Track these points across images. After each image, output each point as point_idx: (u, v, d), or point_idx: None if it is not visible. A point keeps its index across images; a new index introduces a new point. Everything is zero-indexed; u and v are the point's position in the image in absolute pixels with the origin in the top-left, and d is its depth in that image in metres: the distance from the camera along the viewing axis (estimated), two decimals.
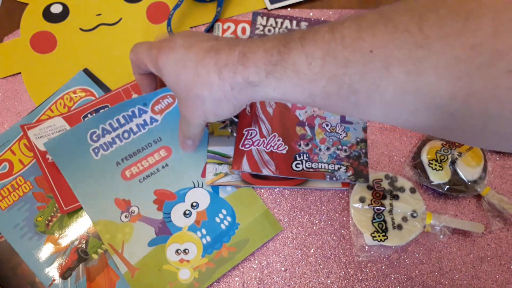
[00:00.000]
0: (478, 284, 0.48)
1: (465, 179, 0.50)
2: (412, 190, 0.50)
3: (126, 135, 0.50)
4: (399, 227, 0.48)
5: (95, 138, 0.50)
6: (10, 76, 0.59)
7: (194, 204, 0.49)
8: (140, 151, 0.50)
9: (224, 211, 0.49)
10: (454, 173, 0.50)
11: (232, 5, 0.63)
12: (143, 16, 0.62)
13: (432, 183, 0.50)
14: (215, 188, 0.50)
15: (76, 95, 0.57)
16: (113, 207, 0.48)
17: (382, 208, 0.49)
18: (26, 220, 0.50)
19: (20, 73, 0.59)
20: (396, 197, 0.50)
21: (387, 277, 0.48)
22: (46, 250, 0.49)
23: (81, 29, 0.62)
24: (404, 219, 0.48)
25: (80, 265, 0.48)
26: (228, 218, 0.48)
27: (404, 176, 0.52)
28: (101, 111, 0.52)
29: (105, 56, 0.60)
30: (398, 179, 0.51)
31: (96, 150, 0.49)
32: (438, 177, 0.50)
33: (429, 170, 0.50)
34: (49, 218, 0.50)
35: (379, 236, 0.48)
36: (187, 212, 0.48)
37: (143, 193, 0.49)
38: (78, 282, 0.47)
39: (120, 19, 0.62)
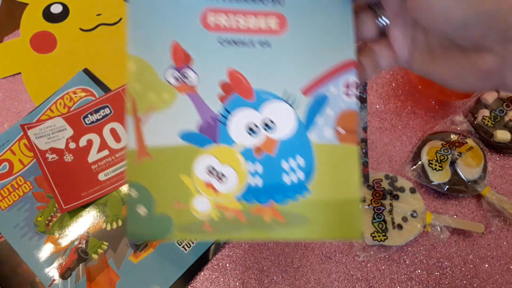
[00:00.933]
0: (478, 284, 0.48)
1: (465, 179, 0.50)
2: (412, 190, 0.50)
3: None
4: (399, 227, 0.48)
5: None
6: (10, 76, 0.59)
7: (270, 123, 0.31)
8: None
9: (300, 160, 0.32)
10: (454, 173, 0.50)
11: None
12: None
13: (432, 183, 0.50)
14: (310, 117, 0.32)
15: (76, 95, 0.57)
16: (165, 50, 0.31)
17: (382, 208, 0.49)
18: (26, 220, 0.50)
19: (20, 73, 0.59)
20: (396, 197, 0.50)
21: (387, 277, 0.48)
22: (46, 250, 0.49)
23: (81, 29, 0.62)
24: (404, 219, 0.48)
25: (80, 265, 0.48)
26: (300, 174, 0.31)
27: (404, 176, 0.52)
28: None
29: (105, 56, 0.60)
30: (398, 179, 0.51)
31: None
32: (438, 177, 0.50)
33: (429, 170, 0.50)
34: (49, 218, 0.50)
35: (379, 236, 0.48)
36: (254, 127, 0.31)
37: (214, 60, 0.31)
38: (78, 282, 0.47)
39: (120, 19, 0.62)
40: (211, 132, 0.31)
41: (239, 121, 0.31)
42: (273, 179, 0.31)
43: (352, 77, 0.31)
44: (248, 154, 0.31)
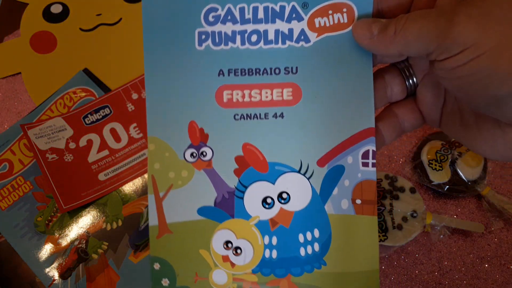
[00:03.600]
0: (478, 284, 0.48)
1: (465, 179, 0.50)
2: (412, 190, 0.50)
3: (254, 38, 0.31)
4: (399, 227, 0.48)
5: (211, 19, 0.31)
6: (10, 76, 0.59)
7: (285, 195, 0.32)
8: (258, 73, 0.31)
9: (316, 232, 0.31)
10: (454, 173, 0.50)
11: None
12: None
13: (432, 183, 0.50)
14: (326, 189, 0.31)
15: (76, 95, 0.57)
16: (183, 132, 0.31)
17: (382, 208, 0.49)
18: (26, 220, 0.50)
19: (20, 73, 0.59)
20: (396, 197, 0.50)
21: (387, 277, 0.48)
22: (46, 250, 0.49)
23: (81, 29, 0.62)
24: (404, 219, 0.49)
25: (80, 265, 0.48)
26: (316, 246, 0.31)
27: (404, 176, 0.52)
28: None
29: (105, 56, 0.60)
30: (398, 179, 0.51)
31: (204, 37, 0.31)
32: (438, 177, 0.50)
33: (429, 170, 0.50)
34: (49, 218, 0.50)
35: (379, 236, 0.48)
36: (269, 200, 0.32)
37: (229, 137, 0.32)
38: (78, 282, 0.47)
39: (120, 19, 0.62)
40: (227, 206, 0.31)
41: (254, 195, 0.32)
42: (288, 251, 0.31)
43: (371, 147, 0.30)
44: (263, 227, 0.31)
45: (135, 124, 0.54)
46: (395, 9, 0.27)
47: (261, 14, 0.31)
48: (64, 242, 0.49)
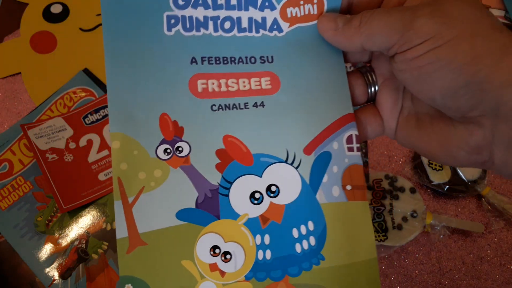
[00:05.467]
0: (478, 284, 0.48)
1: (465, 179, 0.50)
2: (412, 190, 0.50)
3: (227, 25, 0.29)
4: (399, 227, 0.48)
5: (180, 2, 0.28)
6: (10, 76, 0.59)
7: (274, 188, 0.29)
8: (234, 62, 0.30)
9: (310, 225, 0.29)
10: (454, 173, 0.50)
11: None
12: None
13: (432, 183, 0.50)
14: (315, 177, 0.29)
15: (76, 95, 0.57)
16: (153, 126, 0.28)
17: (382, 208, 0.49)
18: (26, 220, 0.50)
19: (20, 73, 0.59)
20: (396, 197, 0.50)
21: (387, 277, 0.48)
22: (46, 250, 0.49)
23: (81, 29, 0.62)
24: (404, 219, 0.49)
25: (80, 265, 0.48)
26: (312, 240, 0.29)
27: (404, 176, 0.52)
28: None
29: None
30: (398, 179, 0.51)
31: (173, 22, 0.28)
32: (438, 177, 0.50)
33: (429, 170, 0.51)
34: (49, 218, 0.50)
35: (379, 236, 0.48)
36: (257, 195, 0.29)
37: (207, 129, 0.29)
38: (78, 282, 0.47)
39: None
40: (211, 206, 0.28)
41: (241, 190, 0.28)
42: (283, 249, 0.28)
43: (353, 131, 0.29)
44: (253, 225, 0.28)
45: None
46: (366, 5, 0.28)
47: (234, 1, 0.29)
48: (64, 242, 0.49)
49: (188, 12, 0.28)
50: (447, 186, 0.50)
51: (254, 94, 0.29)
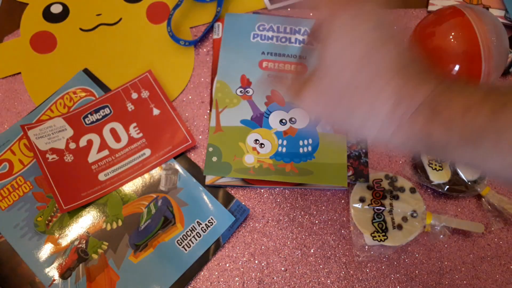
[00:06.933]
0: (478, 284, 0.48)
1: (465, 179, 0.50)
2: (412, 190, 0.50)
3: (283, 39, 0.59)
4: (399, 227, 0.48)
5: (260, 28, 0.59)
6: (10, 76, 0.59)
7: (293, 119, 0.53)
8: (283, 55, 0.58)
9: (310, 140, 0.52)
10: (454, 173, 0.50)
11: (232, 5, 0.63)
12: (143, 16, 0.62)
13: (432, 183, 0.50)
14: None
15: (76, 95, 0.57)
16: (237, 79, 0.56)
17: (382, 208, 0.49)
18: (26, 220, 0.50)
19: (20, 73, 0.59)
20: (396, 197, 0.50)
21: (387, 277, 0.48)
22: (46, 250, 0.49)
23: (81, 29, 0.62)
24: (404, 219, 0.49)
25: (80, 265, 0.48)
26: (309, 148, 0.52)
27: (404, 176, 0.52)
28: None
29: (105, 56, 0.60)
30: (398, 179, 0.51)
31: (255, 36, 0.58)
32: (438, 177, 0.50)
33: (429, 170, 0.50)
34: (49, 218, 0.50)
35: (379, 236, 0.48)
36: (283, 120, 0.53)
37: (263, 84, 0.56)
38: (78, 282, 0.47)
39: (120, 19, 0.62)
40: (258, 120, 0.54)
41: (275, 116, 0.54)
42: (293, 149, 0.52)
43: None
44: (279, 135, 0.53)
45: (135, 124, 0.54)
46: None
47: (288, 29, 0.60)
48: (64, 242, 0.49)
49: (264, 32, 0.59)
50: (447, 186, 0.50)
51: (292, 73, 0.56)
